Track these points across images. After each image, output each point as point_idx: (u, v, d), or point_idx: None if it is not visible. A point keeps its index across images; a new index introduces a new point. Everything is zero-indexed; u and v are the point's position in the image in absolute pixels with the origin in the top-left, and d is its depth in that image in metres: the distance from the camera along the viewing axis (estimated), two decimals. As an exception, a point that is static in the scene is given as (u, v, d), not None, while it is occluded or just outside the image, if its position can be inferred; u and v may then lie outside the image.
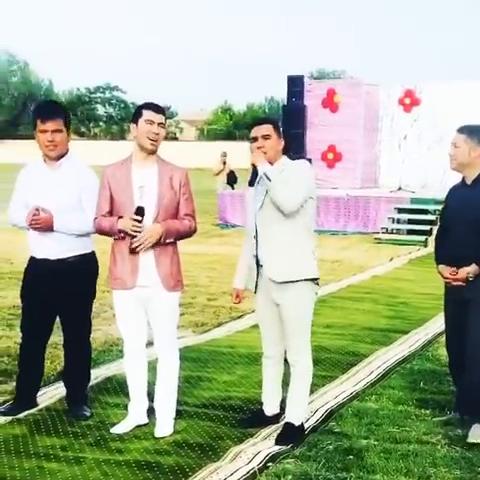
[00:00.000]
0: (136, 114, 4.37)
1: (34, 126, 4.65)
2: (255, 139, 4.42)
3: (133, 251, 4.32)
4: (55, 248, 4.63)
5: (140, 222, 4.24)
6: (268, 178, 4.26)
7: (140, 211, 4.25)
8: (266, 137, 4.40)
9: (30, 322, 4.80)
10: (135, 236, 4.27)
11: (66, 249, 4.65)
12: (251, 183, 4.45)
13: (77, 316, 4.78)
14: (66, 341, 4.86)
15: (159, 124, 4.33)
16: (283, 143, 4.49)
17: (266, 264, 4.43)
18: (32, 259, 4.78)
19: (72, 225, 4.61)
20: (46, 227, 4.56)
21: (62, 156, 4.66)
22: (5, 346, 6.06)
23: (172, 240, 4.40)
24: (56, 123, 4.58)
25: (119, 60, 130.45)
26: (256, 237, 4.45)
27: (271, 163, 4.37)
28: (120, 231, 4.32)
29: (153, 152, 4.38)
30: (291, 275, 4.38)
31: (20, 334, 4.92)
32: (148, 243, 4.27)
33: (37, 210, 4.54)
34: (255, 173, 4.38)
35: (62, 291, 4.66)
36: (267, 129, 4.41)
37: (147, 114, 4.32)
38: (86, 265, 4.75)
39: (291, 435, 4.42)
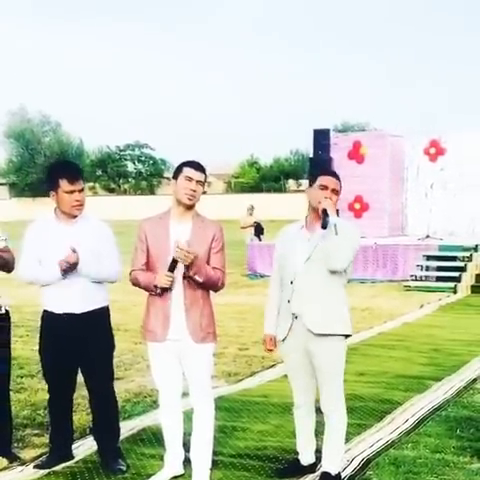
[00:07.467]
0: (177, 170, 4.45)
1: (52, 186, 4.64)
2: (324, 188, 4.40)
3: (161, 293, 4.36)
4: (80, 302, 4.63)
5: (172, 272, 4.29)
6: (336, 231, 4.24)
7: (172, 266, 4.29)
8: (336, 192, 4.41)
9: (55, 378, 4.80)
10: (167, 289, 4.34)
11: (91, 302, 4.66)
12: (324, 226, 4.30)
13: (101, 369, 4.77)
14: (91, 396, 4.85)
15: (198, 182, 4.39)
16: None
17: (305, 314, 4.40)
18: (51, 314, 4.70)
19: (101, 271, 4.65)
20: (76, 265, 4.52)
21: None
22: (42, 398, 6.10)
23: (201, 280, 4.33)
24: (81, 183, 4.67)
25: (148, 118, 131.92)
26: (293, 286, 4.43)
27: None
28: (156, 287, 4.37)
29: (190, 207, 4.45)
30: (329, 328, 4.37)
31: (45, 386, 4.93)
32: (186, 257, 4.21)
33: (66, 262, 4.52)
34: (325, 218, 4.28)
35: (86, 345, 4.67)
36: (337, 185, 4.43)
37: (187, 171, 4.40)
38: (108, 317, 4.80)
39: (328, 484, 4.38)
